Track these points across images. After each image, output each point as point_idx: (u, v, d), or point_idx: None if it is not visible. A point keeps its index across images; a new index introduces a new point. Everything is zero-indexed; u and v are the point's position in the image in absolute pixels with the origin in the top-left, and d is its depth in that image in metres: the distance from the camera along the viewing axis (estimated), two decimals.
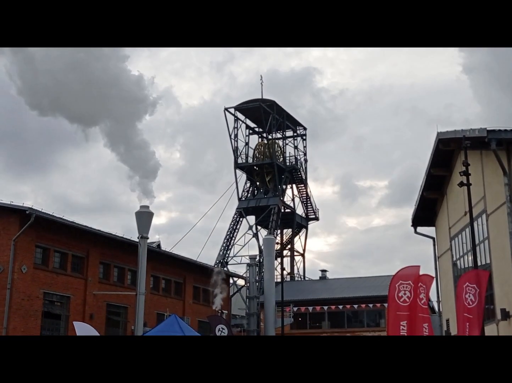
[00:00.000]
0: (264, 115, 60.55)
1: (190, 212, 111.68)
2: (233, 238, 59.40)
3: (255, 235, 59.86)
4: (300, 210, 64.76)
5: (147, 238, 32.62)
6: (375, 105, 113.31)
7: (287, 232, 64.09)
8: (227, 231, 59.48)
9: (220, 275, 41.97)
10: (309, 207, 65.07)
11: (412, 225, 27.76)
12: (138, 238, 32.26)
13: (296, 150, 66.16)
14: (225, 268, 53.39)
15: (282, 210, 61.51)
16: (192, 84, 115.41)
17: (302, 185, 64.64)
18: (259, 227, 61.41)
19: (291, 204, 64.34)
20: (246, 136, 64.41)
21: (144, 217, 32.30)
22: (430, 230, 28.14)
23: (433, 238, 27.75)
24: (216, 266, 51.46)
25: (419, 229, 27.85)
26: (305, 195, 64.85)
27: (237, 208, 60.59)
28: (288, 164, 63.92)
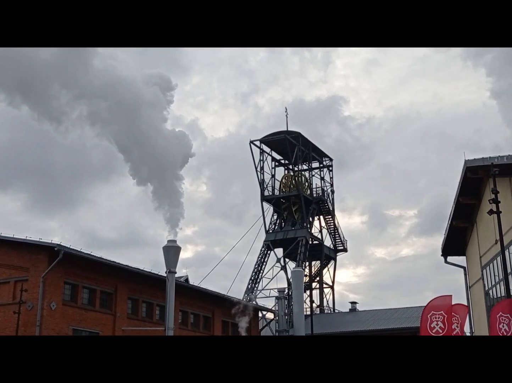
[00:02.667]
0: (290, 147, 60.73)
1: (217, 245, 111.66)
2: (261, 271, 59.20)
3: (283, 268, 59.59)
4: (328, 242, 64.49)
5: (175, 272, 32.67)
6: (402, 132, 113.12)
7: (316, 264, 63.69)
8: (255, 264, 59.33)
9: (247, 308, 41.73)
10: (337, 238, 64.70)
11: (442, 255, 27.43)
12: (166, 272, 32.34)
13: (322, 181, 66.12)
14: (254, 302, 53.10)
15: (310, 242, 61.20)
16: (216, 116, 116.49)
17: (330, 217, 64.39)
18: (287, 260, 61.15)
19: (319, 236, 64.05)
20: (272, 168, 64.64)
21: (171, 251, 32.41)
22: (460, 260, 27.78)
23: (464, 268, 27.37)
24: (244, 299, 51.22)
25: (450, 258, 27.50)
26: (332, 226, 64.54)
27: (264, 241, 60.46)
28: (315, 195, 63.82)
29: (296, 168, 63.20)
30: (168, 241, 32.51)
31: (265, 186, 62.41)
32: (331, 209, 64.50)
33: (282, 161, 66.10)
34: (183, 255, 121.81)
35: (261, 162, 62.33)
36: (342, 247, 64.84)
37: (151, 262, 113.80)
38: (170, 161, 29.09)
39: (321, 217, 64.95)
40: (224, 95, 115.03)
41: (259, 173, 61.93)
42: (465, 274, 27.24)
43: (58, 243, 30.35)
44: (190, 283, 46.05)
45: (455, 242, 26.96)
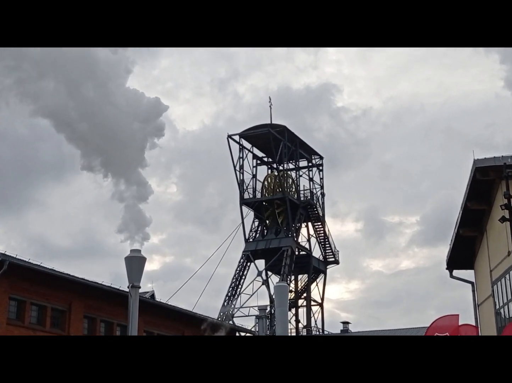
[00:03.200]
0: (274, 142, 60.76)
1: (189, 255, 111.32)
2: (240, 286, 59.17)
3: (265, 282, 59.63)
4: (317, 253, 64.67)
5: (139, 287, 32.40)
6: (403, 127, 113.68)
7: (303, 278, 63.85)
8: (233, 278, 59.31)
9: (223, 328, 41.63)
10: (327, 248, 64.86)
11: (447, 268, 27.49)
12: (128, 287, 32.08)
13: (311, 182, 66.26)
14: (231, 321, 53.03)
15: (296, 253, 61.32)
16: (189, 106, 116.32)
17: (319, 223, 64.54)
18: (269, 273, 61.22)
19: (307, 246, 64.18)
20: (253, 167, 64.73)
21: (135, 263, 32.07)
22: (468, 274, 27.85)
23: (472, 283, 27.45)
24: (220, 319, 51.11)
25: (456, 272, 27.56)
26: (322, 234, 64.71)
27: (243, 251, 60.45)
28: (302, 199, 63.97)
29: (281, 167, 63.30)
30: (131, 250, 32.23)
31: (245, 187, 62.44)
32: (321, 214, 64.67)
33: (265, 159, 66.18)
34: (148, 267, 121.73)
35: (241, 159, 62.45)
36: (333, 259, 65.03)
37: (111, 275, 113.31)
38: (130, 138, 27.52)
39: (310, 224, 65.12)
40: (198, 81, 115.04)
41: (238, 173, 61.99)
42: (473, 291, 27.31)
43: (3, 252, 30.15)
44: (157, 299, 45.89)
45: (462, 254, 27.04)
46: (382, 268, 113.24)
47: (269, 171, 66.06)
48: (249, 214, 62.61)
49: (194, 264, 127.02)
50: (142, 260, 32.31)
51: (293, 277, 62.17)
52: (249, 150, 63.91)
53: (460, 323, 16.68)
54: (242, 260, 60.21)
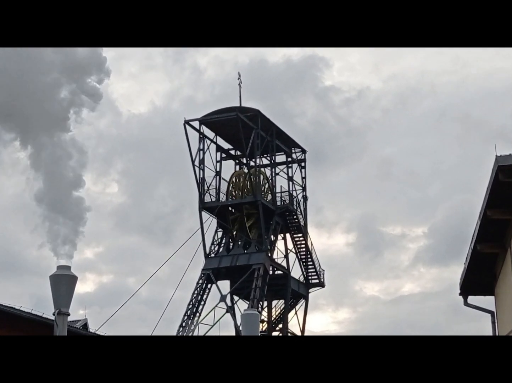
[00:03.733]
0: (244, 131, 60.70)
1: (132, 274, 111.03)
2: (198, 314, 59.13)
3: (230, 310, 59.67)
4: (297, 272, 64.81)
5: (68, 314, 32.40)
6: (408, 113, 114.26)
7: (278, 304, 63.94)
8: (189, 304, 59.20)
9: None
10: (310, 267, 65.01)
11: (460, 294, 27.74)
12: (53, 314, 32.12)
13: (291, 183, 66.38)
14: None
15: (271, 272, 61.39)
16: (134, 83, 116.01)
17: (300, 235, 64.67)
18: (236, 298, 61.27)
19: (284, 263, 64.31)
20: (217, 162, 64.69)
21: (63, 283, 32.01)
22: (487, 301, 28.10)
23: (491, 313, 27.75)
24: None
25: (471, 299, 27.81)
26: (304, 249, 64.84)
27: (203, 269, 60.35)
28: (279, 203, 64.07)
29: (252, 163, 63.28)
30: (59, 267, 32.17)
31: (206, 188, 62.36)
32: (302, 224, 64.80)
33: (232, 152, 66.29)
34: (80, 288, 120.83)
35: (201, 152, 62.25)
36: (317, 280, 65.22)
37: (32, 297, 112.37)
38: (47, 97, 25.38)
39: (288, 235, 65.27)
40: (147, 50, 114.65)
41: (197, 169, 61.84)
42: (493, 322, 27.58)
43: None
44: (91, 330, 45.90)
45: (480, 275, 27.30)
46: (379, 293, 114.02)
47: (237, 167, 66.21)
48: (211, 223, 62.74)
49: (140, 285, 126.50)
50: (73, 279, 32.24)
51: (266, 303, 62.34)
52: (212, 141, 63.82)
53: None
54: (201, 281, 60.08)
